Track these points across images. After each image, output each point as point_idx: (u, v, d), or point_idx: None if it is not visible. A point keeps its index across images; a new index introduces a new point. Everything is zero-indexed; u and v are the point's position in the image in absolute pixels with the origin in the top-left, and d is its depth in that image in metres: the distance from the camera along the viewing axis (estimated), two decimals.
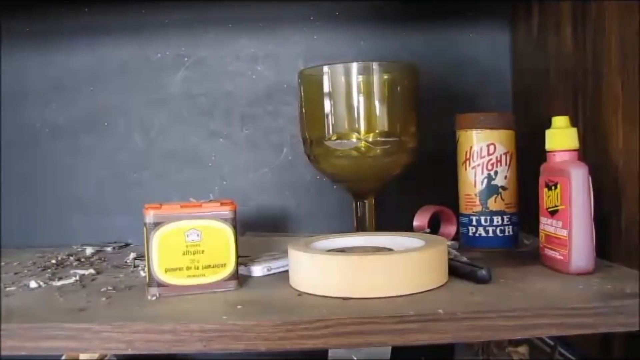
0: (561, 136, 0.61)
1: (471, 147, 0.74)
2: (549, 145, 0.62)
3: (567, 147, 0.61)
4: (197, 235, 0.57)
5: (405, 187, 0.85)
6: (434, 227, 0.83)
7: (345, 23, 0.93)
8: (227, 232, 0.58)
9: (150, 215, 0.57)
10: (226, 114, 0.93)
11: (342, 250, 0.60)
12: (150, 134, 0.94)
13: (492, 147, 0.74)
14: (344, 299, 0.52)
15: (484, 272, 0.56)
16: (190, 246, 0.57)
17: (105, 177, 0.94)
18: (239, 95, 0.93)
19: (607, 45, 0.64)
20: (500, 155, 0.74)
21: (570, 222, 0.58)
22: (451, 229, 0.83)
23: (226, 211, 0.59)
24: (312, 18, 0.93)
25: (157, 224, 0.57)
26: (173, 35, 0.94)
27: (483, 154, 0.74)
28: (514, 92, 0.92)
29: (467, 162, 0.75)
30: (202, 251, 0.58)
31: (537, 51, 0.83)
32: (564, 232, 0.59)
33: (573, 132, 0.61)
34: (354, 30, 0.93)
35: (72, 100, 0.95)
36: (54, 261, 0.79)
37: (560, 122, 0.62)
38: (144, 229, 0.57)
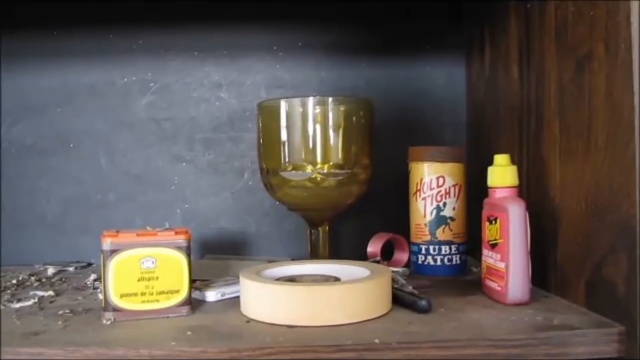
0: (502, 174, 0.65)
1: (422, 179, 0.78)
2: (490, 181, 0.65)
3: (507, 184, 0.64)
4: (152, 262, 0.60)
5: (361, 213, 0.88)
6: (387, 253, 0.86)
7: (307, 53, 0.96)
8: (181, 260, 0.61)
9: (107, 243, 0.59)
10: (190, 139, 0.96)
11: (291, 279, 0.63)
12: (115, 156, 0.96)
13: (441, 180, 0.77)
14: (290, 327, 0.55)
15: (424, 302, 0.59)
16: (145, 273, 0.60)
17: (70, 197, 0.96)
18: (203, 121, 0.96)
19: (547, 87, 0.68)
20: (449, 187, 0.77)
21: (508, 256, 0.62)
22: (403, 256, 0.86)
23: (181, 239, 0.61)
24: (275, 48, 0.96)
25: (113, 251, 0.59)
26: (140, 60, 0.96)
27: (433, 186, 0.77)
28: (468, 124, 0.96)
29: (418, 193, 0.78)
30: (157, 277, 0.60)
31: (489, 86, 0.87)
32: (502, 265, 0.62)
33: (513, 170, 0.65)
34: (315, 61, 0.96)
35: (39, 120, 0.96)
36: (14, 281, 0.80)
37: (501, 160, 0.65)
38: (101, 255, 0.59)
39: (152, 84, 0.96)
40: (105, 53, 0.96)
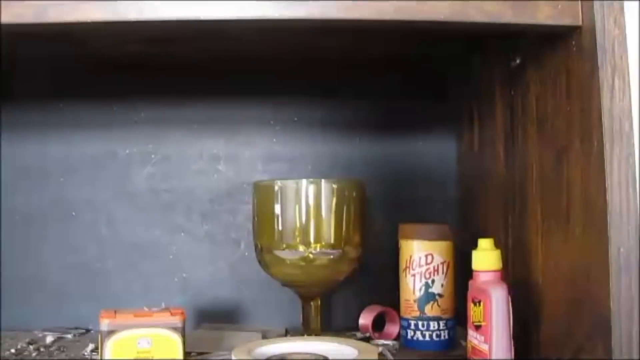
0: (485, 258, 0.67)
1: (411, 256, 0.80)
2: (474, 265, 0.68)
3: (491, 268, 0.67)
4: (148, 342, 0.62)
5: (355, 283, 0.91)
6: (379, 325, 0.89)
7: (303, 128, 1.00)
8: (176, 340, 0.63)
9: (105, 324, 0.62)
10: (188, 210, 0.99)
11: (282, 358, 0.65)
12: (116, 225, 0.99)
13: (430, 257, 0.80)
14: None
15: None
16: (141, 352, 0.62)
17: (70, 264, 0.99)
18: (201, 193, 0.99)
19: (530, 173, 0.71)
20: (438, 265, 0.80)
21: (491, 339, 0.64)
22: (394, 329, 0.88)
23: (176, 320, 0.63)
24: (272, 122, 1.00)
25: (110, 332, 0.61)
26: (141, 132, 1.00)
27: (422, 263, 0.80)
28: (458, 199, 0.99)
29: (407, 269, 0.81)
30: (152, 357, 0.62)
31: (478, 163, 0.90)
32: (486, 347, 0.64)
33: (497, 254, 0.67)
34: (311, 135, 0.99)
35: (43, 189, 0.99)
36: (13, 350, 0.82)
37: (485, 244, 0.68)
38: (99, 335, 0.62)
39: (152, 156, 0.99)
40: (108, 125, 1.00)
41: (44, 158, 0.99)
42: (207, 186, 0.99)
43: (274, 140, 1.00)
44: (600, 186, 0.56)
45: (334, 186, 0.79)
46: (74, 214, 1.00)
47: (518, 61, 0.73)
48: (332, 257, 0.78)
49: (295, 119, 1.00)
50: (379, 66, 0.98)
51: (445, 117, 1.00)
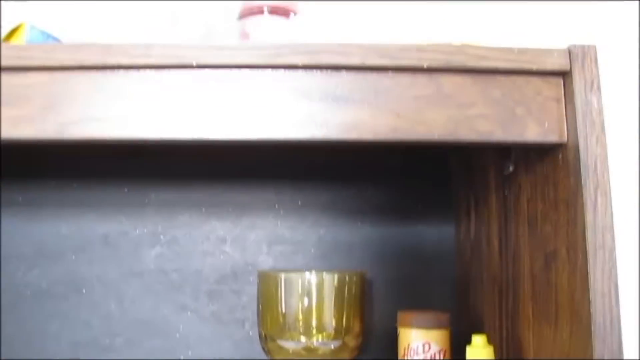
0: (478, 355, 0.70)
1: (409, 344, 0.83)
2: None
3: None
4: None
5: None
6: None
7: (306, 212, 1.03)
8: None
9: None
10: (195, 289, 1.02)
11: None
12: (125, 303, 1.02)
13: (427, 346, 0.83)
14: None
15: None
16: None
17: (79, 340, 1.02)
18: (208, 273, 1.02)
19: (522, 270, 0.75)
20: (435, 353, 0.83)
21: None
22: None
23: None
24: (276, 206, 1.03)
25: None
26: (151, 214, 1.04)
27: (419, 352, 0.83)
28: (456, 283, 1.02)
29: (405, 357, 0.84)
30: None
31: (474, 249, 0.93)
32: None
33: (489, 351, 0.70)
34: (313, 219, 1.03)
35: (55, 266, 1.03)
36: None
37: (478, 340, 0.71)
38: None
39: (161, 237, 1.03)
40: (120, 206, 1.04)
41: (58, 236, 1.03)
42: (214, 267, 1.03)
43: (279, 223, 1.03)
44: (585, 297, 0.59)
45: (336, 278, 0.82)
46: (84, 291, 1.03)
47: (511, 169, 0.77)
48: (333, 347, 0.81)
49: (299, 202, 1.04)
50: (380, 152, 1.03)
51: (444, 202, 1.04)
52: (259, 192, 1.04)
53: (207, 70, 0.60)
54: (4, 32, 0.74)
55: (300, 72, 0.60)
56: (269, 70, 0.60)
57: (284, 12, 0.87)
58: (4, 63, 0.59)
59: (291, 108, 0.60)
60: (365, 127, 0.60)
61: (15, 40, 0.73)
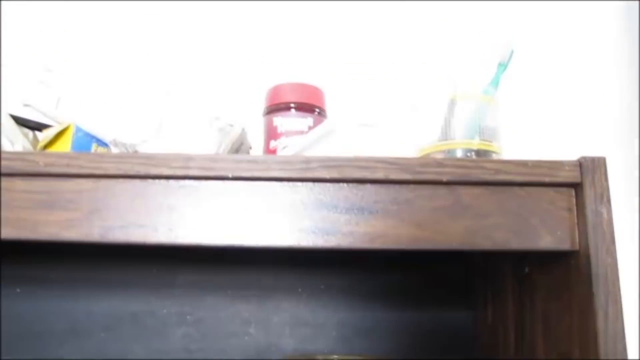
0: None
1: None
2: None
3: None
4: None
5: None
6: None
7: (328, 296, 1.07)
8: None
9: None
10: None
11: None
12: None
13: None
14: None
15: None
16: None
17: None
18: (232, 354, 1.05)
19: None
20: None
21: None
22: None
23: None
24: (300, 290, 1.07)
25: None
26: (179, 294, 1.08)
27: None
28: None
29: None
30: None
31: (491, 339, 0.96)
32: None
33: None
34: (335, 303, 1.07)
35: (85, 343, 1.07)
36: None
37: None
38: None
39: (188, 317, 1.07)
40: (149, 286, 1.08)
41: (89, 314, 1.07)
42: (238, 348, 1.06)
43: (301, 306, 1.07)
44: None
45: None
46: None
47: (527, 270, 0.81)
48: None
49: (322, 287, 1.07)
50: None
51: (462, 289, 1.07)
52: (283, 276, 1.07)
53: (241, 182, 0.64)
54: (52, 132, 0.80)
55: (328, 185, 0.64)
56: (299, 183, 0.64)
57: (310, 109, 0.93)
58: (56, 170, 0.65)
59: (318, 218, 0.64)
60: (388, 237, 0.64)
61: (63, 141, 0.79)
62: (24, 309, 1.08)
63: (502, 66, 0.87)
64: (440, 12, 1.25)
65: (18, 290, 1.09)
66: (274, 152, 0.91)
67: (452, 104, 0.79)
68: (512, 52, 0.88)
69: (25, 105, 0.82)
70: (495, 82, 0.85)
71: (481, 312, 1.01)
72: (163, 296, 1.08)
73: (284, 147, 0.88)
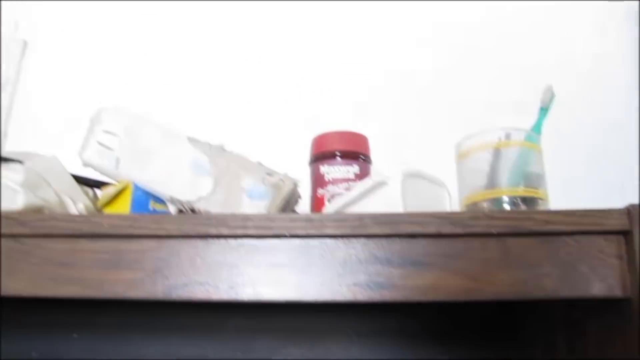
0: None
1: None
2: None
3: None
4: None
5: None
6: None
7: (378, 339, 1.08)
8: None
9: None
10: None
11: None
12: None
13: None
14: None
15: None
16: None
17: None
18: None
19: None
20: None
21: None
22: None
23: None
24: (350, 333, 1.09)
25: None
26: (230, 339, 1.10)
27: None
28: None
29: None
30: None
31: None
32: None
33: None
34: (386, 346, 1.08)
35: None
36: None
37: None
38: None
39: None
40: (200, 330, 1.11)
41: (144, 358, 1.10)
42: None
43: (353, 350, 1.08)
44: None
45: None
46: None
47: (577, 315, 0.82)
48: None
49: (372, 330, 1.09)
50: None
51: (513, 332, 1.08)
52: (334, 319, 1.09)
53: (297, 239, 0.67)
54: (112, 191, 0.83)
55: (381, 240, 0.66)
56: (353, 239, 0.66)
57: (355, 157, 0.96)
58: (120, 231, 0.68)
59: (372, 272, 0.66)
60: (440, 289, 0.66)
61: (123, 200, 0.82)
62: (79, 354, 1.12)
63: (544, 111, 0.88)
64: (478, 59, 1.28)
65: (75, 335, 1.13)
66: (321, 200, 0.94)
67: (496, 151, 0.81)
68: (553, 95, 0.90)
69: (86, 165, 0.86)
70: (537, 128, 0.87)
71: (531, 356, 1.02)
72: (215, 340, 1.11)
73: (332, 197, 0.91)
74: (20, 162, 0.78)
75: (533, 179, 0.80)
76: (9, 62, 1.44)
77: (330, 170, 0.95)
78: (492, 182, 0.80)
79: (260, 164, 0.86)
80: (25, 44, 1.45)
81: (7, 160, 0.78)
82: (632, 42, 1.24)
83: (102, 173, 0.86)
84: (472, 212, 0.67)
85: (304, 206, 0.97)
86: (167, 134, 0.85)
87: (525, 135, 0.83)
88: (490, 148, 0.81)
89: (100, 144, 0.85)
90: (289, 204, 0.86)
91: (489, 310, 1.09)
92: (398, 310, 1.09)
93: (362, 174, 0.95)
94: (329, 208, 0.85)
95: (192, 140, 0.86)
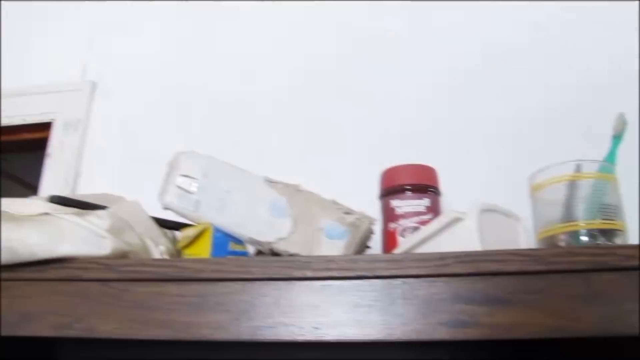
0: None
1: None
2: None
3: None
4: None
5: None
6: None
7: None
8: None
9: None
10: None
11: None
12: None
13: None
14: None
15: None
16: None
17: None
18: None
19: None
20: None
21: None
22: None
23: None
24: None
25: None
26: None
27: None
28: None
29: None
30: None
31: None
32: None
33: None
34: None
35: None
36: None
37: None
38: None
39: None
40: None
41: None
42: None
43: None
44: None
45: None
46: None
47: None
48: None
49: None
50: None
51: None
52: (385, 353, 1.09)
53: (380, 280, 0.68)
54: (192, 233, 0.86)
55: (464, 279, 0.67)
56: (436, 278, 0.67)
57: (424, 190, 0.96)
58: (206, 275, 0.70)
59: (457, 311, 0.66)
60: (525, 327, 0.66)
61: (204, 242, 0.85)
62: None
63: (617, 139, 0.88)
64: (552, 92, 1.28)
65: None
66: (393, 234, 0.95)
67: (570, 183, 0.81)
68: (625, 123, 0.89)
69: (166, 208, 0.89)
70: (611, 158, 0.86)
71: None
72: None
73: (403, 230, 0.92)
74: (104, 208, 0.81)
75: (610, 211, 0.80)
76: (78, 103, 1.50)
77: (401, 204, 0.96)
78: (568, 215, 0.80)
79: (334, 202, 0.87)
80: (94, 85, 1.51)
81: (92, 207, 0.81)
82: None
83: (182, 216, 0.89)
84: (554, 249, 0.67)
85: (375, 239, 0.98)
86: (244, 175, 0.88)
87: (599, 165, 0.83)
88: (564, 180, 0.81)
89: (180, 187, 0.87)
90: (365, 240, 0.87)
91: (581, 345, 1.08)
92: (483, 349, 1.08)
93: (433, 207, 0.96)
94: (403, 243, 0.86)
95: (268, 181, 0.88)
